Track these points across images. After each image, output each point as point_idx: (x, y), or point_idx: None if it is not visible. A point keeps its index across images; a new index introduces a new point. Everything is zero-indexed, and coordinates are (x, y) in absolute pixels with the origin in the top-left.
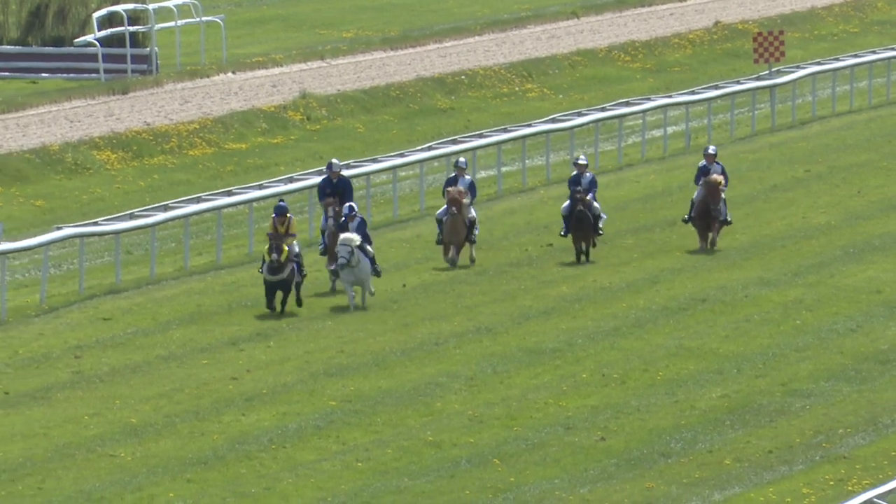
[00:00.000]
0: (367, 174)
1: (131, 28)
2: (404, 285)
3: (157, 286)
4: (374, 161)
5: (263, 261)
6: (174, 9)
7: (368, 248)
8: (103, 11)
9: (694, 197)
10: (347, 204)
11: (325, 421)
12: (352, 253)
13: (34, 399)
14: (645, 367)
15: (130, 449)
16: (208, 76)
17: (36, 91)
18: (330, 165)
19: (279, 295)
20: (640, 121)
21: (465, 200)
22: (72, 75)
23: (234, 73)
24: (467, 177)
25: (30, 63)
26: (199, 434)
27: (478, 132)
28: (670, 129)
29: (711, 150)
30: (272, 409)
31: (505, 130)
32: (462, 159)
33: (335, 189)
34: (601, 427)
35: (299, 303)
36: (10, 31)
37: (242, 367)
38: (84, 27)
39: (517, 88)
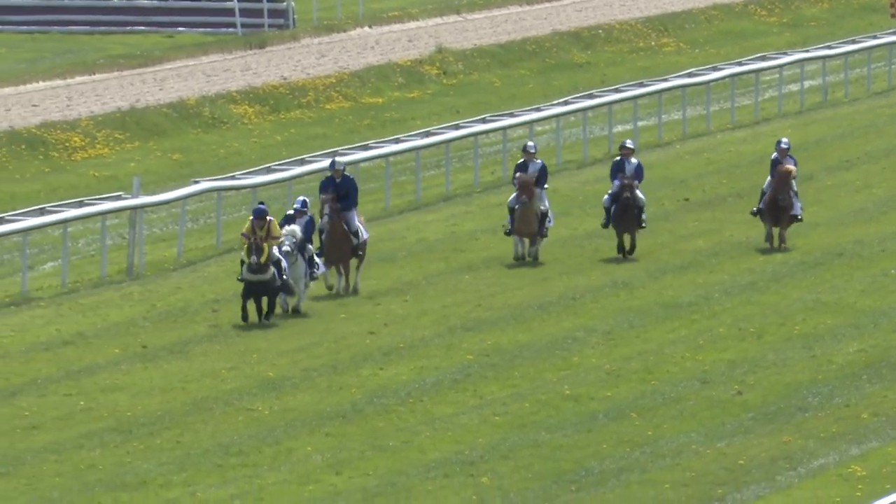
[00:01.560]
0: (504, 128)
1: None
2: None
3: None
4: (511, 115)
5: (242, 264)
6: None
7: (309, 246)
8: None
9: (764, 187)
10: (300, 198)
11: (462, 375)
12: (295, 244)
13: (172, 353)
14: (782, 322)
15: (268, 403)
16: (345, 30)
17: (173, 45)
18: (332, 164)
19: (263, 301)
20: (777, 75)
21: (535, 188)
22: (209, 30)
23: (370, 27)
24: (538, 161)
25: (167, 17)
26: (337, 388)
27: (614, 87)
28: (807, 84)
29: (784, 143)
30: (410, 363)
31: (641, 85)
32: (531, 143)
33: (337, 189)
34: (738, 381)
35: (271, 310)
36: None
37: (380, 322)
38: None
39: (653, 43)
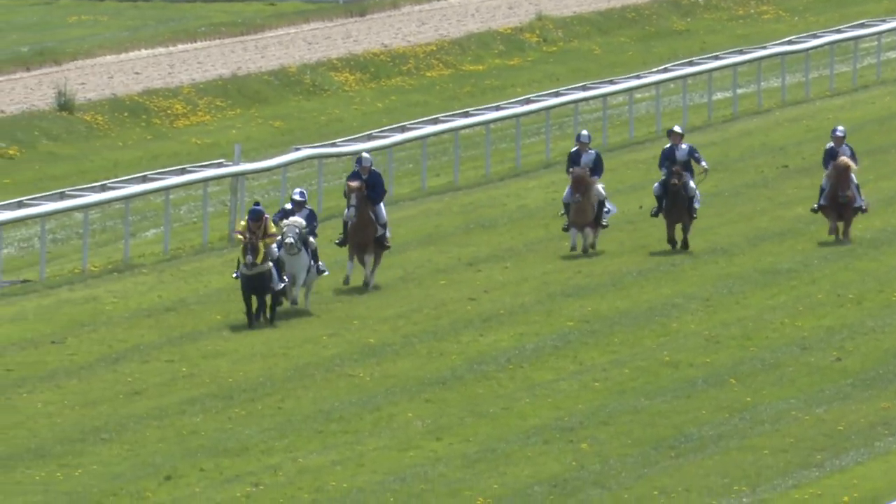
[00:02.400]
0: (604, 96)
1: None
2: (640, 207)
3: (394, 207)
4: (611, 83)
5: (241, 264)
6: None
7: (312, 240)
8: None
9: (822, 182)
10: (298, 189)
11: (562, 341)
12: (298, 235)
13: (274, 319)
14: (880, 288)
15: (369, 369)
16: None
17: (275, 13)
18: (360, 160)
19: (261, 302)
20: (876, 42)
21: (590, 179)
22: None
23: None
24: (591, 151)
25: None
26: (437, 354)
27: (713, 54)
28: None
29: (840, 131)
30: (510, 329)
31: (740, 52)
32: (585, 132)
33: (367, 180)
34: (837, 347)
35: (273, 309)
36: None
37: (480, 288)
38: None
39: (752, 10)
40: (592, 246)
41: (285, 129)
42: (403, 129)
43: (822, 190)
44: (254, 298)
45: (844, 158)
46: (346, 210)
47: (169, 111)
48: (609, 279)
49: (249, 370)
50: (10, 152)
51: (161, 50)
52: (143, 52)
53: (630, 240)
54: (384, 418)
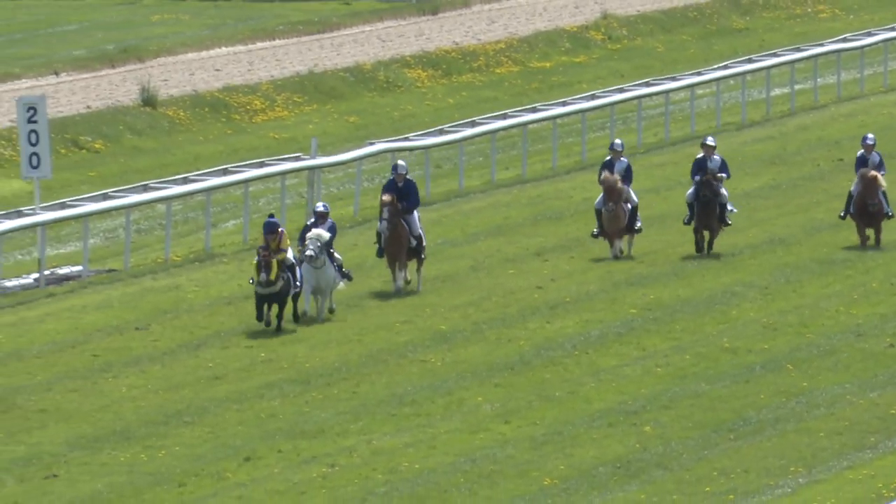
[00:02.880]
0: (666, 92)
1: None
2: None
3: (465, 199)
4: (673, 79)
5: (256, 280)
6: None
7: (337, 255)
8: None
9: (851, 190)
10: (321, 203)
11: (625, 328)
12: (320, 249)
13: (348, 307)
14: None
15: (440, 355)
16: None
17: (350, 12)
18: (395, 168)
19: (275, 308)
20: None
21: (622, 186)
22: None
23: None
24: (623, 159)
25: None
26: (506, 340)
27: (771, 51)
28: None
29: (870, 139)
30: (576, 316)
31: (797, 50)
32: (618, 141)
33: (400, 193)
34: (890, 334)
35: (296, 318)
36: None
37: (547, 277)
38: None
39: (809, 9)
40: (626, 252)
41: (360, 125)
42: (473, 124)
43: (850, 197)
44: (266, 308)
45: (870, 170)
46: (379, 222)
47: (248, 107)
48: (670, 268)
49: (325, 356)
50: (96, 146)
51: (240, 48)
52: (224, 49)
53: (690, 231)
54: (455, 402)
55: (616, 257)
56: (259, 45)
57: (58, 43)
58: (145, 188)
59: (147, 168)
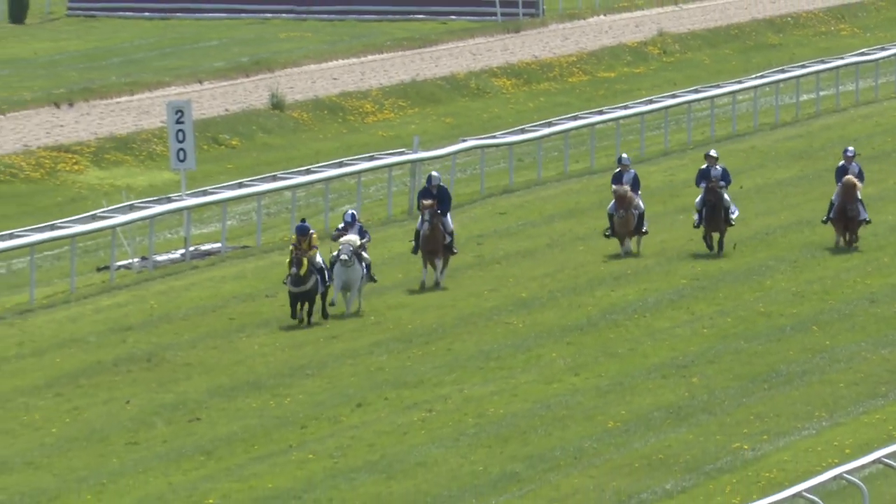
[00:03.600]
0: (712, 97)
1: None
2: (741, 187)
3: (542, 187)
4: (717, 87)
5: (288, 274)
6: None
7: (365, 255)
8: None
9: (833, 198)
10: (350, 212)
11: (677, 295)
12: (352, 252)
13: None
14: None
15: (521, 318)
16: (584, 18)
17: (446, 30)
18: (430, 179)
19: (306, 306)
20: None
21: (631, 195)
22: (475, 18)
23: (604, 15)
24: (631, 171)
25: (442, 7)
26: (577, 306)
27: (800, 63)
28: None
29: (850, 151)
30: (635, 285)
31: (822, 62)
32: (625, 155)
33: (436, 196)
34: None
35: (325, 314)
36: None
37: (611, 253)
38: None
39: (832, 28)
40: (635, 251)
41: (454, 125)
42: (550, 125)
43: (831, 204)
44: (299, 306)
45: (851, 177)
46: (420, 223)
47: (360, 110)
48: (634, 266)
49: (425, 318)
50: (233, 143)
51: (354, 60)
52: (340, 61)
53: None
54: (533, 357)
55: (626, 254)
56: (370, 57)
57: (201, 56)
58: (274, 178)
59: (275, 161)
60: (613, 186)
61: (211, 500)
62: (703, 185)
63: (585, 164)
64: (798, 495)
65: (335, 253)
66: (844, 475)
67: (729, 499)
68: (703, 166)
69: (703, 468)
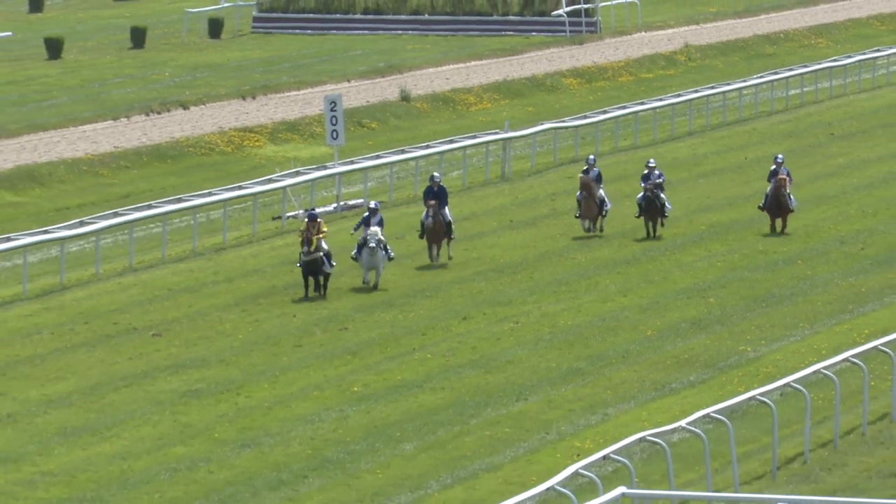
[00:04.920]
0: (724, 92)
1: (586, 5)
2: (746, 158)
3: (599, 158)
4: (727, 85)
5: (301, 251)
6: None
7: (384, 239)
8: None
9: (768, 191)
10: (375, 202)
11: (698, 238)
12: (378, 241)
13: (526, 224)
14: (889, 206)
15: (583, 254)
16: (630, 34)
17: (529, 43)
18: (432, 178)
19: (318, 281)
20: (885, 60)
21: (595, 186)
22: (550, 34)
23: (645, 32)
24: (596, 169)
25: (526, 27)
26: (624, 246)
27: (789, 67)
28: None
29: (780, 158)
30: (667, 231)
31: (804, 66)
32: (591, 157)
33: (436, 195)
34: (862, 242)
35: (325, 287)
36: (513, 6)
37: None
38: (557, 3)
39: (813, 41)
40: (601, 229)
41: (534, 113)
42: (604, 112)
43: (766, 196)
44: (310, 279)
45: (783, 176)
46: (424, 217)
47: (465, 101)
48: (726, 202)
49: (513, 255)
50: (372, 126)
51: (461, 65)
52: (451, 66)
53: (738, 186)
54: (592, 283)
55: (588, 231)
56: (473, 63)
57: (349, 62)
58: (402, 152)
59: (403, 139)
60: (581, 177)
61: (355, 388)
62: (644, 184)
63: (630, 141)
64: (787, 385)
65: (363, 237)
66: (822, 370)
67: (736, 388)
68: (645, 172)
69: (717, 365)
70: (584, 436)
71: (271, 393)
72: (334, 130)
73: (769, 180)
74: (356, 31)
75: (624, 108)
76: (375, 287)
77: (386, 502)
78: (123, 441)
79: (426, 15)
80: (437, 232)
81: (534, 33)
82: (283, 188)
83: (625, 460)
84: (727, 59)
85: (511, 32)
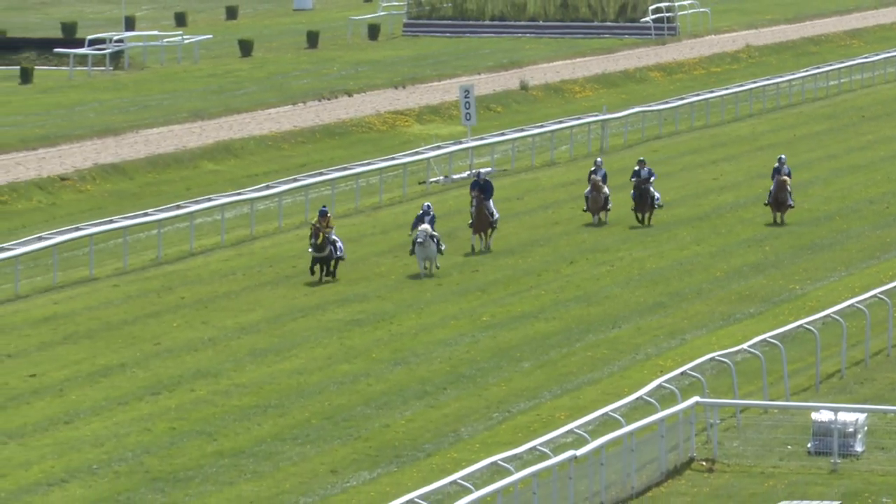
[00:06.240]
0: (777, 84)
1: (667, 14)
2: (794, 135)
3: (678, 135)
4: (780, 77)
5: (310, 243)
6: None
7: (436, 234)
8: (654, 6)
9: (771, 188)
10: (426, 204)
11: (755, 199)
12: (427, 236)
13: (620, 188)
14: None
15: (664, 212)
16: (703, 36)
17: (622, 43)
18: (478, 174)
19: (325, 268)
20: None
21: (601, 185)
22: (639, 36)
23: (715, 34)
24: (603, 169)
25: (620, 30)
26: (698, 205)
27: (829, 63)
28: None
29: (783, 158)
30: (733, 192)
31: (841, 62)
32: (599, 160)
33: (481, 188)
34: (888, 203)
35: (333, 274)
36: (610, 14)
37: (718, 173)
38: (644, 12)
39: (848, 42)
40: (604, 221)
41: (626, 99)
42: (682, 98)
43: (770, 193)
44: (318, 266)
45: (783, 177)
46: (472, 207)
47: (572, 90)
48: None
49: (611, 214)
50: (498, 110)
51: (568, 61)
52: (560, 62)
53: (788, 157)
54: (672, 235)
55: (597, 224)
56: (577, 60)
57: (479, 59)
58: (521, 130)
59: (522, 121)
60: (590, 176)
61: (484, 318)
62: (633, 179)
63: (703, 122)
64: (828, 315)
65: (414, 237)
66: (855, 304)
67: (787, 318)
68: (636, 168)
69: (772, 300)
70: (666, 356)
71: (417, 322)
72: (468, 113)
73: (772, 178)
74: (485, 34)
75: (697, 95)
76: (431, 275)
77: (509, 409)
78: (300, 360)
79: (541, 21)
80: (481, 220)
81: (626, 36)
82: (427, 159)
83: (698, 375)
84: (779, 57)
85: (608, 35)
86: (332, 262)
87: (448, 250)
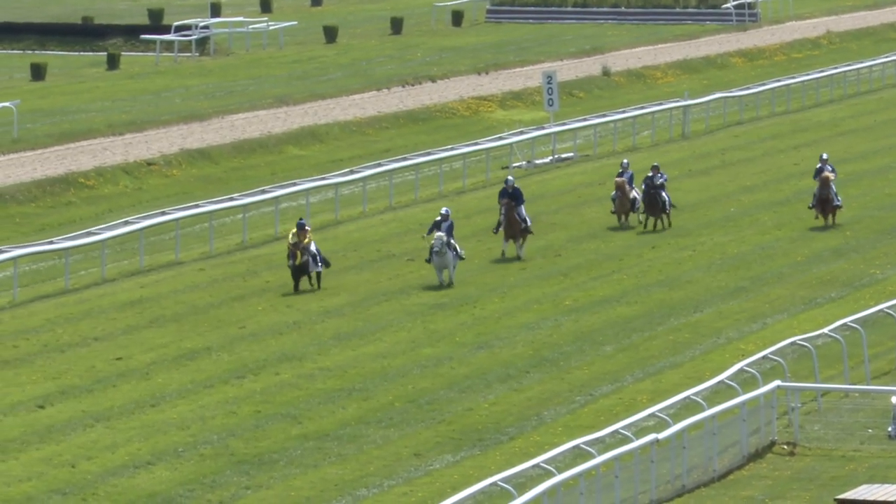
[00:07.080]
0: (857, 69)
1: (749, 0)
2: (875, 120)
3: (759, 121)
4: (861, 63)
5: (289, 260)
6: None
7: (453, 241)
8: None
9: (815, 190)
10: (445, 209)
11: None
12: (443, 244)
13: (701, 173)
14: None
15: (747, 196)
16: (783, 23)
17: (703, 30)
18: (507, 181)
19: (306, 281)
20: None
21: (627, 188)
22: (721, 22)
23: (796, 21)
24: (629, 172)
25: (700, 17)
26: (779, 191)
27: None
28: None
29: (825, 156)
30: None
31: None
32: (625, 161)
33: (511, 195)
34: None
35: (318, 284)
36: (692, 0)
37: (794, 161)
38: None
39: None
40: (628, 224)
41: (708, 84)
42: (763, 84)
43: (814, 195)
44: (300, 279)
45: (827, 173)
46: (500, 214)
47: (653, 76)
48: (860, 155)
49: (690, 197)
50: (580, 95)
51: (650, 47)
52: (642, 48)
53: (868, 142)
54: (753, 220)
55: (622, 226)
56: (659, 46)
57: (561, 45)
58: (603, 115)
59: (604, 107)
60: (616, 179)
61: (567, 302)
62: (644, 185)
63: (784, 107)
64: None
65: (431, 245)
66: None
67: (868, 302)
68: (649, 174)
69: (853, 284)
70: (747, 340)
71: (500, 306)
72: (550, 99)
73: (815, 178)
74: (567, 21)
75: (778, 81)
76: (450, 285)
77: (591, 392)
78: (384, 343)
79: (623, 7)
80: (511, 227)
81: (707, 22)
82: (510, 144)
83: (779, 359)
84: (860, 43)
85: (689, 21)
86: (314, 275)
87: (531, 237)
